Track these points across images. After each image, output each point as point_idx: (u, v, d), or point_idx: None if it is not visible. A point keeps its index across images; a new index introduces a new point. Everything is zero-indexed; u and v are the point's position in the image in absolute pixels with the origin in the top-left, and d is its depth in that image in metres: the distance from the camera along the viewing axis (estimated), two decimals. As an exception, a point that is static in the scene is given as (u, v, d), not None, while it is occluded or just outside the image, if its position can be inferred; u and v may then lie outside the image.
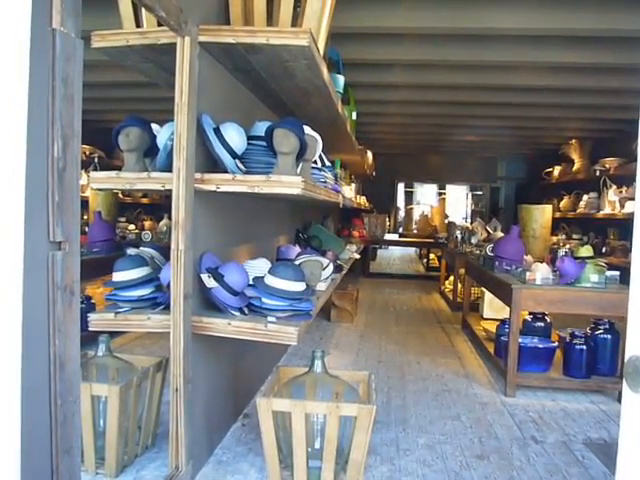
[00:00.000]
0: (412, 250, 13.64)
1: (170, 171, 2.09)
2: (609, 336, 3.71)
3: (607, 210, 6.76)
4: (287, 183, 2.08)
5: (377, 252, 11.93)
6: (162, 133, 2.22)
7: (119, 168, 2.34)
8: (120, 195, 6.58)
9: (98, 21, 2.43)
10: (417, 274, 10.73)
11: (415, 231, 11.68)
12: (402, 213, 14.22)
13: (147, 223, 7.03)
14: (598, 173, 7.01)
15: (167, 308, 2.19)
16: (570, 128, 7.54)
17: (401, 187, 14.05)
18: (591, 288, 3.57)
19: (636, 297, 0.85)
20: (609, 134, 7.54)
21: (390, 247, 13.03)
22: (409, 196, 15.55)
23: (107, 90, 5.31)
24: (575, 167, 8.11)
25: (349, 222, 7.86)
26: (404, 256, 13.53)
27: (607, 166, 6.88)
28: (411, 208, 13.21)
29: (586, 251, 3.91)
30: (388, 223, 10.88)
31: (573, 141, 8.08)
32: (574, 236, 7.76)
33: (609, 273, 3.65)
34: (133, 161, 2.28)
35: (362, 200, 8.25)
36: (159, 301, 2.31)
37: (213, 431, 2.59)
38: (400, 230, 12.47)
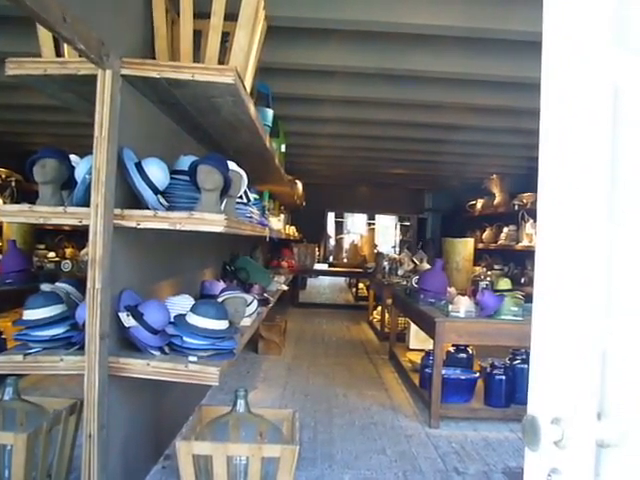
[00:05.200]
0: (342, 279, 13.74)
1: (89, 205, 2.01)
2: (526, 366, 3.85)
3: (525, 242, 7.09)
4: (210, 221, 2.05)
5: (307, 281, 11.94)
6: (81, 166, 2.14)
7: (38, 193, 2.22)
8: (39, 222, 6.27)
9: (19, 43, 2.35)
10: (346, 304, 10.81)
11: (345, 260, 11.82)
12: (332, 242, 14.36)
13: (68, 250, 6.70)
14: (516, 207, 7.36)
15: (82, 348, 2.08)
16: (491, 164, 7.91)
17: (331, 216, 14.21)
18: (509, 320, 3.72)
19: (535, 358, 0.89)
20: (526, 171, 7.95)
21: (320, 276, 13.06)
22: (339, 226, 15.73)
23: (27, 112, 5.09)
24: (496, 201, 8.49)
25: (278, 252, 7.83)
26: (334, 285, 13.60)
27: (524, 201, 7.24)
28: (341, 237, 13.39)
29: (504, 284, 4.07)
30: (318, 253, 10.92)
31: (494, 176, 8.48)
32: (495, 266, 8.06)
33: (526, 305, 3.82)
34: (49, 194, 2.17)
35: (291, 230, 8.27)
36: (74, 341, 2.19)
37: (130, 477, 2.46)
38: (330, 259, 12.55)
